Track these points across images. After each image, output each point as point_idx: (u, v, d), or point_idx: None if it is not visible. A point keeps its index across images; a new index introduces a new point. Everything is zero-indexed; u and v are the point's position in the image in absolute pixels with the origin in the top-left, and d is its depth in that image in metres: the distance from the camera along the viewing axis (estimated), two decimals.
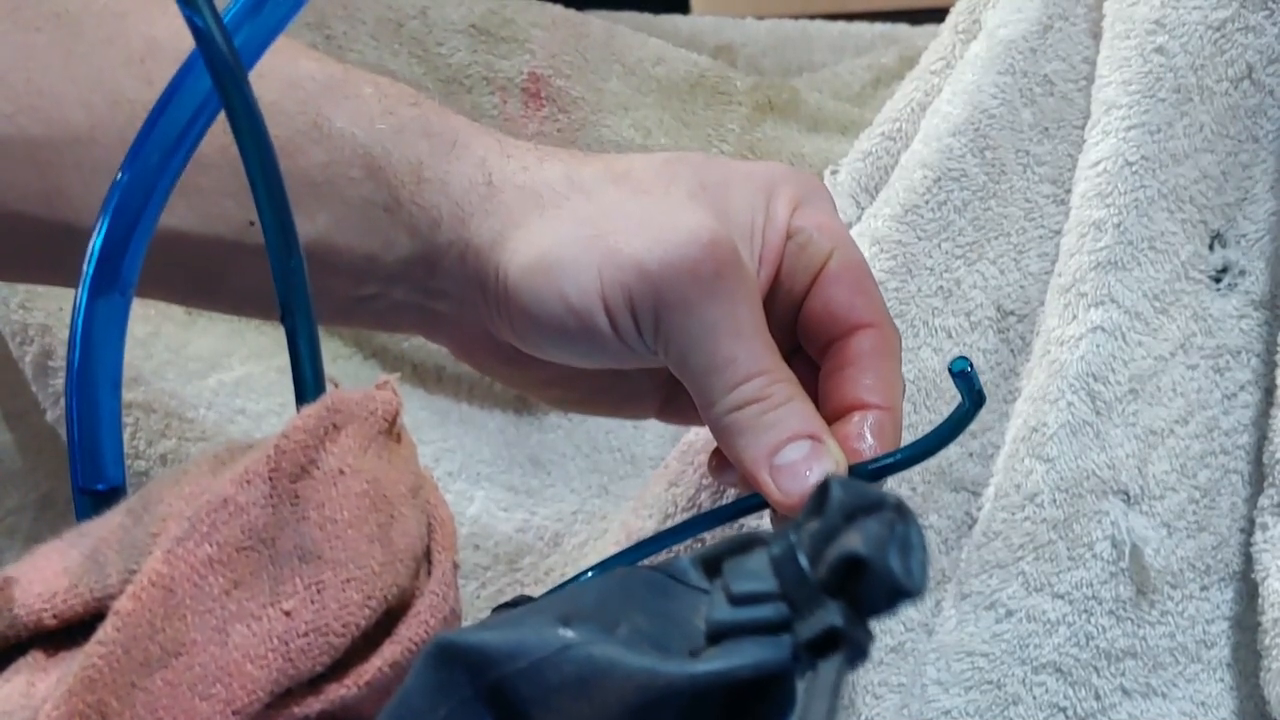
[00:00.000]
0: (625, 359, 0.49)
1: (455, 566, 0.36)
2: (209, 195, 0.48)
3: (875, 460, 0.48)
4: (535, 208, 0.49)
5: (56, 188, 0.47)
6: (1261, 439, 0.61)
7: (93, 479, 0.37)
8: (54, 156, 0.47)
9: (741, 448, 0.48)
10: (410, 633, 0.33)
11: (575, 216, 0.49)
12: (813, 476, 0.47)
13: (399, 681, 0.32)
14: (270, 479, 0.33)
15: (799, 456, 0.47)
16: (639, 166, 0.50)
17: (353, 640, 0.33)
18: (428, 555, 0.35)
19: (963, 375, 0.46)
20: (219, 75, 0.34)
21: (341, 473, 0.34)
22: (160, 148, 0.38)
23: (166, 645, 0.31)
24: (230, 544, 0.32)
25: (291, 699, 0.32)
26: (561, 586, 0.47)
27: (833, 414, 0.49)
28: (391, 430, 0.36)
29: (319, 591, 0.32)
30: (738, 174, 0.51)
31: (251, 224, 0.48)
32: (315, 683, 0.33)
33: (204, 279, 0.51)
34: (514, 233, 0.49)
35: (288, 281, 0.36)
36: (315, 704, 0.32)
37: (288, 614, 0.32)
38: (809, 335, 0.51)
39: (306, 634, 0.32)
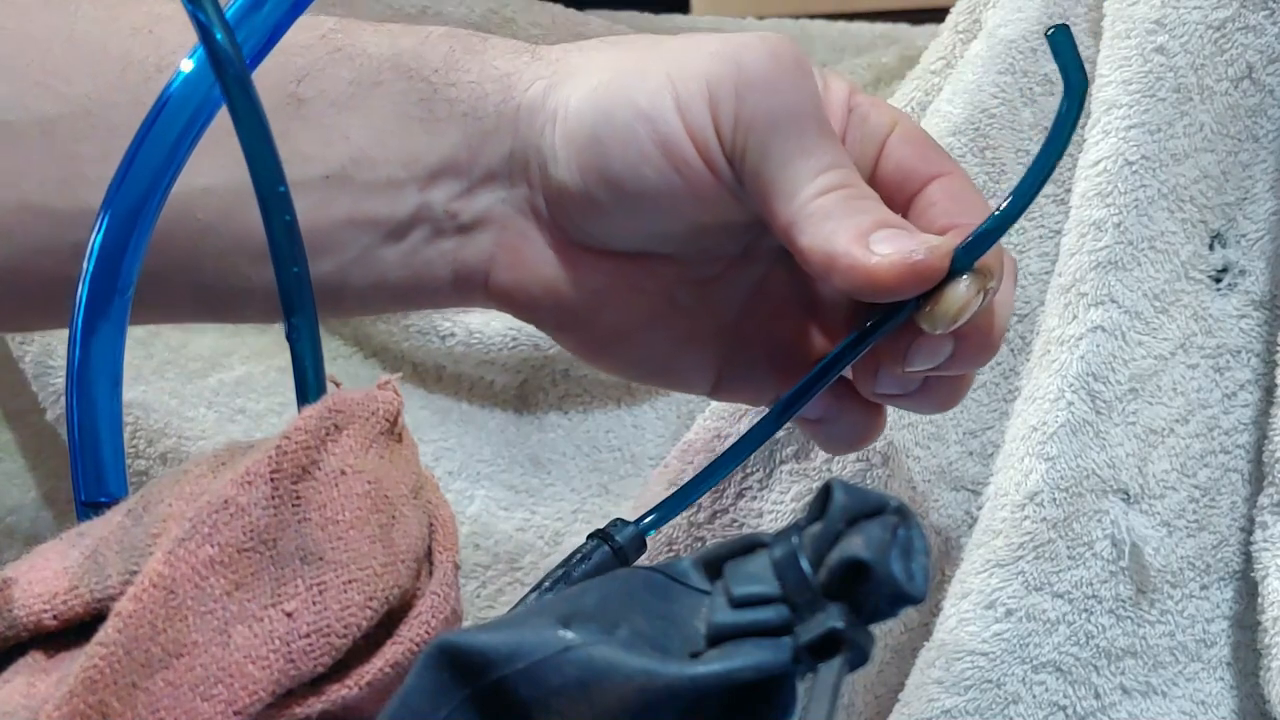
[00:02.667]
0: (694, 193, 0.46)
1: (456, 567, 0.36)
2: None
3: (981, 226, 0.44)
4: (592, 50, 0.48)
5: (74, 170, 0.46)
6: (1261, 438, 0.61)
7: (95, 492, 0.37)
8: (68, 131, 0.46)
9: (830, 231, 0.44)
10: (412, 633, 0.34)
11: (634, 45, 0.48)
12: (918, 251, 0.43)
13: (400, 682, 0.32)
14: (272, 480, 0.33)
15: (896, 234, 0.44)
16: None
17: (354, 641, 0.33)
18: (429, 555, 0.35)
19: (1061, 39, 0.42)
20: (222, 71, 0.34)
21: (343, 473, 0.34)
22: (160, 146, 0.38)
23: (168, 646, 0.31)
24: (232, 545, 0.32)
25: (293, 699, 0.32)
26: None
27: None
28: (393, 430, 0.36)
29: (320, 592, 0.32)
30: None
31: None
32: (317, 683, 0.33)
33: (229, 274, 0.48)
34: (571, 75, 0.47)
35: (289, 280, 0.35)
36: (317, 704, 0.32)
37: (289, 615, 0.32)
38: (885, 199, 0.48)
39: (308, 635, 0.32)
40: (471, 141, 0.48)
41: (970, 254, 0.44)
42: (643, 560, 0.48)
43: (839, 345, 0.48)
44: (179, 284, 0.48)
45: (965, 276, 0.44)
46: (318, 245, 0.47)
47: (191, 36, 0.35)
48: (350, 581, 0.33)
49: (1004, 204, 0.44)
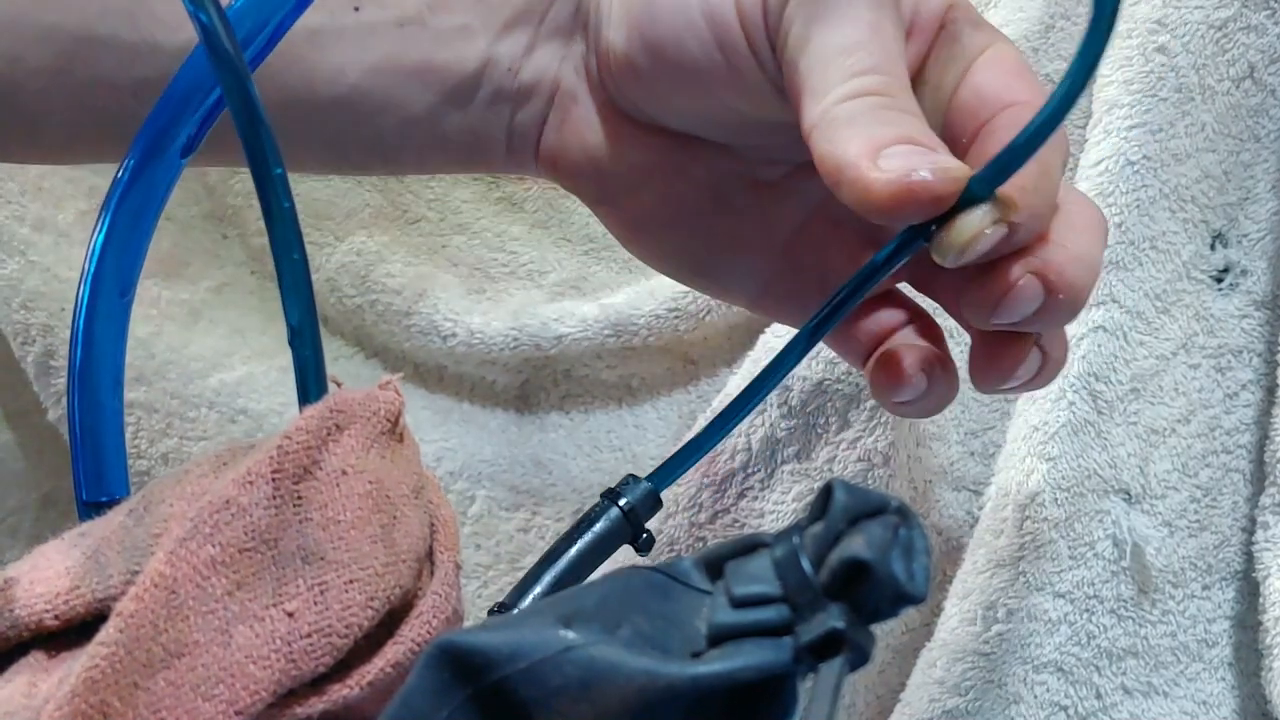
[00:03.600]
0: (743, 76, 0.43)
1: (458, 567, 0.36)
2: None
3: (997, 157, 0.39)
4: None
5: (142, 3, 0.44)
6: (1263, 438, 0.61)
7: (96, 491, 0.37)
8: None
9: (845, 138, 0.39)
10: (413, 633, 0.34)
11: None
12: (923, 169, 0.39)
13: (401, 681, 0.32)
14: (273, 480, 0.33)
15: (912, 151, 0.39)
16: None
17: (355, 641, 0.33)
18: (430, 555, 0.35)
19: None
20: (223, 71, 0.34)
21: (344, 473, 0.34)
22: (161, 144, 0.38)
23: (169, 646, 0.31)
24: (233, 545, 0.32)
25: (294, 699, 0.32)
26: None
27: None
28: (394, 430, 0.36)
29: (322, 592, 0.32)
30: None
31: (357, 9, 0.46)
32: (318, 683, 0.33)
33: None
34: None
35: (289, 280, 0.36)
36: (318, 704, 0.32)
37: (290, 615, 0.32)
38: (956, 126, 0.44)
39: (309, 635, 0.32)
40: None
41: (988, 180, 0.39)
42: (644, 561, 0.48)
43: (851, 280, 0.43)
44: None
45: (982, 205, 0.39)
46: (383, 100, 0.47)
47: None
48: (351, 581, 0.33)
49: (1029, 125, 0.39)
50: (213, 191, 0.71)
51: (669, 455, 0.47)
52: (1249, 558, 0.60)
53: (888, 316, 0.47)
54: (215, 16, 0.34)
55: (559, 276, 0.72)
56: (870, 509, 0.29)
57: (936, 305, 0.48)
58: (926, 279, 0.47)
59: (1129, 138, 0.58)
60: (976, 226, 0.40)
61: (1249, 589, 0.61)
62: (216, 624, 0.32)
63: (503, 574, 0.70)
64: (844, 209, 0.43)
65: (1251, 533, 0.60)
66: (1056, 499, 0.58)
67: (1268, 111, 0.60)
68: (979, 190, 0.39)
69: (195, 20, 0.34)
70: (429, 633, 0.34)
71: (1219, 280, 0.61)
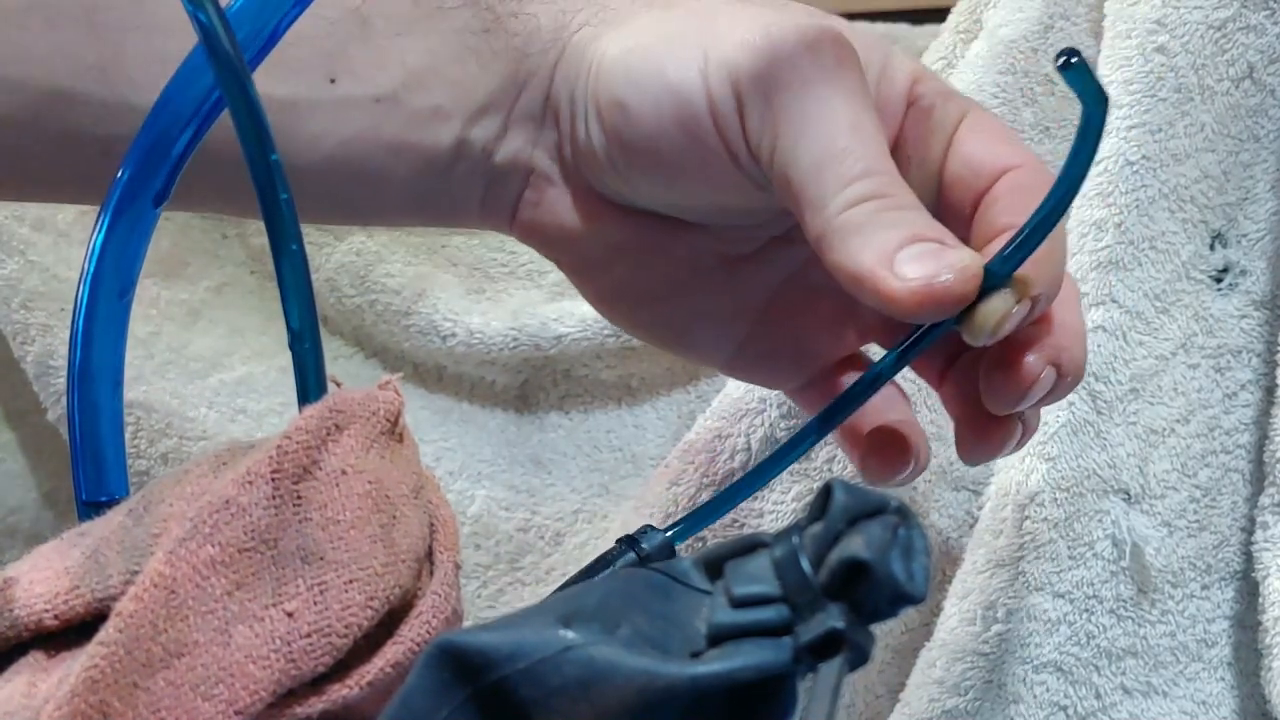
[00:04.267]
0: (714, 177, 0.44)
1: (457, 567, 0.35)
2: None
3: (1010, 242, 0.41)
4: (644, 5, 0.46)
5: (115, 58, 0.44)
6: (1262, 438, 0.61)
7: (96, 491, 0.37)
8: (112, 17, 0.44)
9: (857, 247, 0.41)
10: (413, 633, 0.33)
11: (686, 10, 0.46)
12: (944, 274, 0.40)
13: (401, 681, 0.32)
14: (273, 479, 0.33)
15: (926, 251, 0.41)
16: None
17: (355, 641, 0.33)
18: (430, 555, 0.35)
19: (1070, 68, 0.39)
20: (223, 72, 0.34)
21: (344, 473, 0.34)
22: (162, 143, 0.38)
23: (169, 646, 0.31)
24: (233, 545, 0.32)
25: (294, 699, 0.32)
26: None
27: (980, 248, 0.43)
28: (394, 430, 0.36)
29: (321, 592, 0.32)
30: (851, 26, 0.46)
31: (333, 81, 0.46)
32: (317, 683, 0.33)
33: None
34: (616, 27, 0.46)
35: (289, 280, 0.35)
36: (318, 703, 0.32)
37: (290, 615, 0.32)
38: (954, 201, 0.45)
39: (309, 635, 0.32)
40: (518, 79, 0.47)
41: (1005, 267, 0.41)
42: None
43: (879, 362, 0.46)
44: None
45: (1003, 290, 0.42)
46: (358, 171, 0.47)
47: None
48: (351, 581, 0.33)
49: (1041, 207, 0.41)
50: None
51: (688, 514, 0.48)
52: (1248, 558, 0.60)
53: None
54: (215, 17, 0.34)
55: (558, 276, 0.71)
56: (870, 509, 0.29)
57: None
58: (921, 362, 0.49)
59: (1128, 138, 0.58)
60: (1003, 310, 0.41)
61: (1248, 589, 0.61)
62: (216, 624, 0.32)
63: (502, 574, 0.70)
64: (817, 277, 0.46)
65: (1251, 533, 0.60)
66: (1056, 499, 0.58)
67: (1267, 111, 0.60)
68: (998, 272, 0.41)
69: (195, 20, 0.34)
70: (429, 633, 0.34)
71: (1218, 280, 0.61)
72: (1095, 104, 0.40)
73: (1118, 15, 0.60)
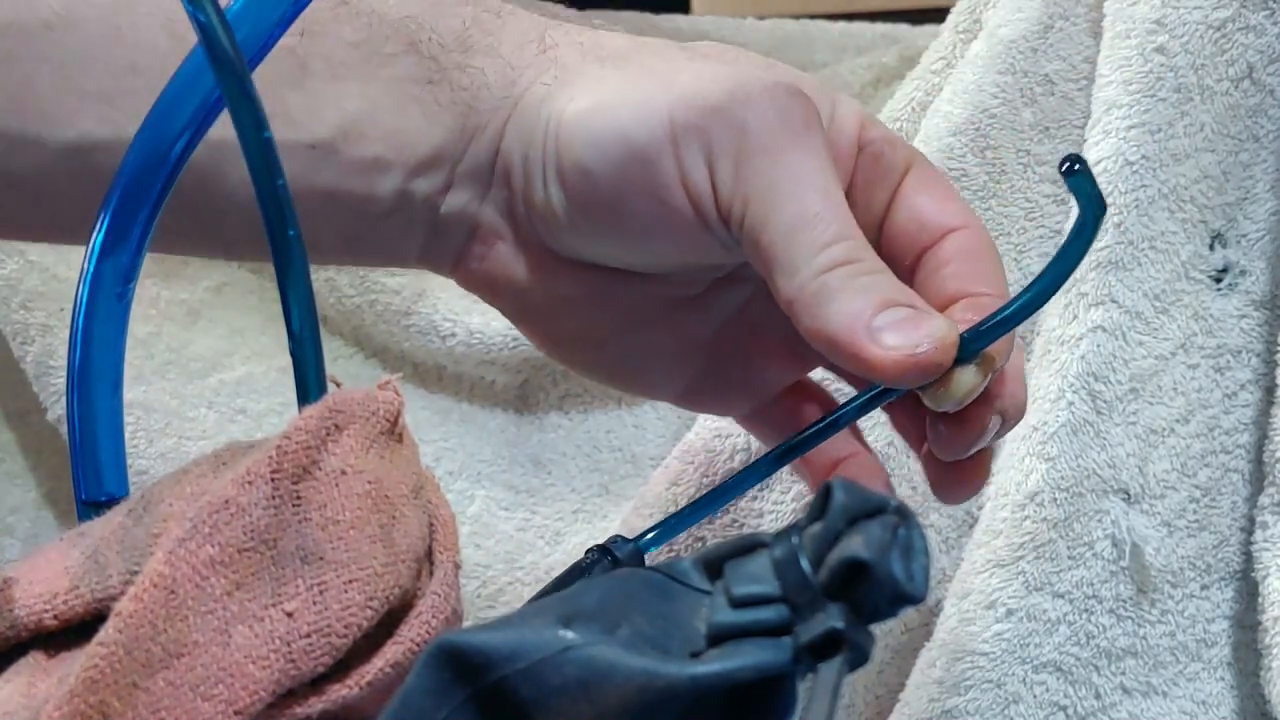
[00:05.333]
0: (681, 238, 0.44)
1: (457, 566, 0.36)
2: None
3: (990, 317, 0.43)
4: (596, 61, 0.45)
5: (24, 87, 0.42)
6: (1262, 438, 0.61)
7: (95, 491, 0.37)
8: (21, 46, 0.42)
9: (834, 313, 0.42)
10: (412, 633, 0.33)
11: (642, 67, 0.45)
12: (920, 342, 0.41)
13: (401, 681, 0.32)
14: (272, 480, 0.33)
15: (902, 318, 0.42)
16: (704, 45, 0.47)
17: (355, 641, 0.33)
18: (429, 555, 0.35)
19: (1074, 174, 0.40)
20: (222, 71, 0.34)
21: (344, 473, 0.34)
22: (161, 143, 0.38)
23: (168, 646, 0.31)
24: (232, 545, 0.32)
25: (293, 699, 0.32)
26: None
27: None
28: (394, 430, 0.36)
29: (321, 592, 0.32)
30: (800, 76, 0.47)
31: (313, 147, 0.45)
32: (317, 683, 0.33)
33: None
34: (570, 85, 0.45)
35: (289, 279, 0.35)
36: (317, 704, 0.32)
37: (290, 615, 0.32)
38: (896, 250, 0.46)
39: (309, 635, 0.32)
40: (465, 134, 0.46)
41: (977, 343, 0.43)
42: None
43: (843, 406, 0.48)
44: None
45: (971, 365, 0.43)
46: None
47: None
48: (351, 581, 0.33)
49: (1018, 298, 0.43)
50: None
51: (657, 525, 0.49)
52: (1248, 557, 0.60)
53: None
54: (214, 17, 0.34)
55: None
56: (869, 509, 0.29)
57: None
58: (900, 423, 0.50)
59: (1128, 138, 0.58)
60: (972, 384, 0.43)
61: (1248, 589, 0.61)
62: (216, 624, 0.32)
63: (501, 574, 0.70)
64: (762, 313, 0.48)
65: (1250, 532, 0.60)
66: (1055, 499, 0.58)
67: (1266, 112, 0.60)
68: (969, 351, 0.43)
69: (194, 21, 0.34)
70: (428, 633, 0.34)
71: (1218, 280, 0.61)
72: (1093, 209, 0.41)
73: (1117, 15, 0.60)
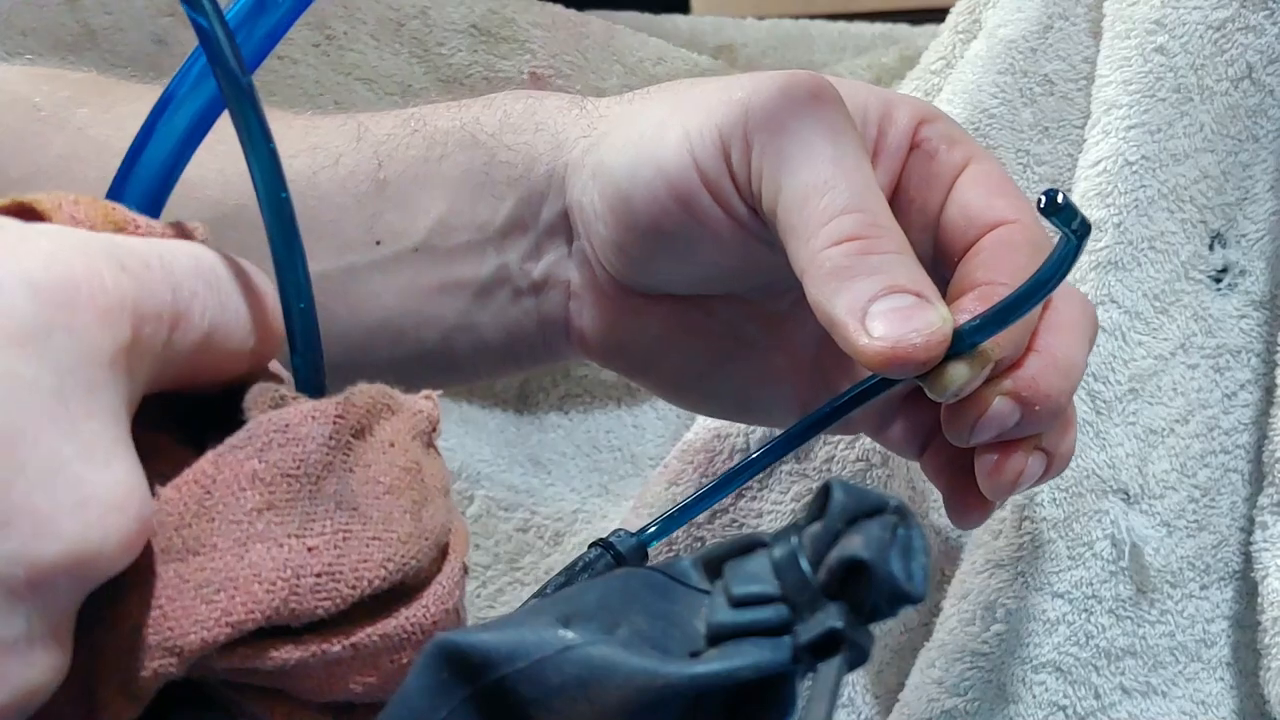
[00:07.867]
0: (724, 238, 0.46)
1: (465, 569, 0.36)
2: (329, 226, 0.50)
3: (976, 317, 0.42)
4: (628, 104, 0.49)
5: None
6: (1261, 438, 0.61)
7: None
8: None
9: (832, 292, 0.42)
10: (410, 612, 0.34)
11: (660, 96, 0.48)
12: (907, 334, 0.41)
13: (385, 658, 0.32)
14: (335, 423, 0.33)
15: (899, 306, 0.41)
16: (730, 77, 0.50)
17: (361, 597, 0.33)
18: (443, 552, 0.36)
19: (1056, 206, 0.39)
20: (223, 75, 0.34)
21: (392, 445, 0.34)
22: (162, 143, 0.38)
23: (189, 541, 0.32)
24: (278, 467, 0.32)
25: (271, 643, 0.32)
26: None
27: (957, 298, 0.44)
28: (433, 434, 0.36)
29: (345, 539, 0.32)
30: (850, 81, 0.48)
31: (378, 243, 0.50)
32: (300, 633, 0.33)
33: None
34: (606, 135, 0.48)
35: (289, 279, 0.36)
36: (294, 653, 0.32)
37: (310, 550, 0.32)
38: (948, 245, 0.46)
39: (320, 574, 0.32)
40: (531, 201, 0.50)
41: (971, 338, 0.42)
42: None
43: (843, 394, 0.47)
44: None
45: (966, 357, 0.43)
46: (419, 315, 0.51)
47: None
48: (375, 539, 0.33)
49: (1019, 290, 0.42)
50: None
51: (660, 517, 0.49)
52: (1247, 558, 0.60)
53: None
54: (214, 18, 0.34)
55: None
56: (868, 509, 0.29)
57: None
58: (898, 438, 0.50)
59: (1127, 138, 0.59)
60: (964, 378, 0.43)
61: (1247, 589, 0.61)
62: (238, 535, 0.32)
63: (501, 574, 0.70)
64: None
65: (1250, 533, 0.60)
66: (1055, 499, 0.58)
67: (1266, 112, 0.60)
68: (963, 345, 0.42)
69: (195, 24, 0.34)
70: (426, 617, 0.34)
71: (1217, 280, 0.61)
72: (1081, 231, 0.40)
73: (1117, 15, 0.60)
